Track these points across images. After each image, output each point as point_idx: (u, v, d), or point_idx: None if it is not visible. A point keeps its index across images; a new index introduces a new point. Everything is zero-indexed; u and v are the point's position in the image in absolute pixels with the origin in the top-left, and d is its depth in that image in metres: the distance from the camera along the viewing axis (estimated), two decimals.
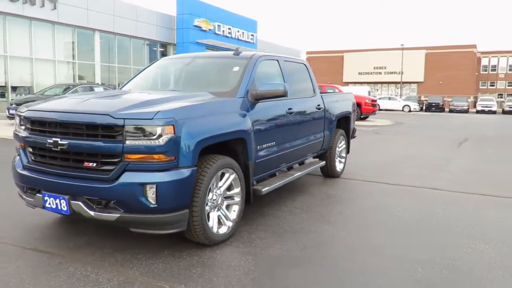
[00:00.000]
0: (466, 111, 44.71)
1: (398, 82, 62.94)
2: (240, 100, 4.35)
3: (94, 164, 3.47)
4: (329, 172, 6.99)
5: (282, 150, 5.03)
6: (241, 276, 3.33)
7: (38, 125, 3.77)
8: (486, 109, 43.42)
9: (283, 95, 4.60)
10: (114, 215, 3.41)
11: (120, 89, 5.28)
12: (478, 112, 44.23)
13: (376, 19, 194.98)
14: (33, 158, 3.85)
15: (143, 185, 3.33)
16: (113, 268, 3.42)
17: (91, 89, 17.00)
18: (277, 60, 5.43)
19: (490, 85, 70.70)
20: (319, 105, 6.07)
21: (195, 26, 23.79)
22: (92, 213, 3.45)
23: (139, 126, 3.34)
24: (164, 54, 25.54)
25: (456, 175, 7.82)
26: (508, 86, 69.27)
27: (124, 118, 3.36)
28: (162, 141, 3.33)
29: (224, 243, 3.96)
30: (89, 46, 24.04)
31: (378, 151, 11.25)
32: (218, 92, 4.43)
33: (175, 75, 5.32)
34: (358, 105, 21.78)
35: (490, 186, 6.76)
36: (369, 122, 22.36)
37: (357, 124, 18.77)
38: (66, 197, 3.51)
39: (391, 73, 65.35)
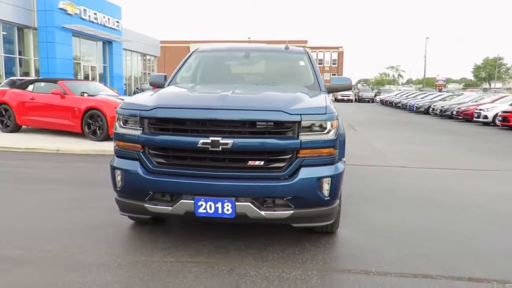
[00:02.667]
0: None
1: None
2: (325, 93, 4.57)
3: (262, 162, 3.34)
4: None
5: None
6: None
7: (182, 124, 3.38)
8: (345, 98, 48.10)
9: (351, 88, 4.97)
10: (287, 213, 3.36)
11: (170, 84, 4.81)
12: (338, 100, 48.81)
13: (224, 12, 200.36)
14: (165, 160, 3.44)
15: (320, 179, 3.38)
16: (258, 263, 3.40)
17: None
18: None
19: None
20: None
21: (60, 9, 21.14)
22: (263, 213, 3.33)
23: (313, 122, 3.36)
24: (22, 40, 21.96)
25: (385, 153, 9.25)
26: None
27: (301, 114, 3.33)
28: (331, 135, 3.42)
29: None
30: None
31: None
32: (304, 86, 4.56)
33: (238, 69, 5.15)
34: None
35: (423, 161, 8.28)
36: None
37: None
38: (232, 199, 3.30)
39: None
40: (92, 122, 9.44)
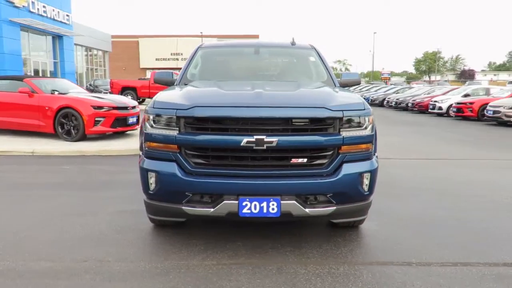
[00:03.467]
0: None
1: None
2: (347, 89, 4.63)
3: (305, 160, 3.33)
4: None
5: None
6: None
7: (222, 123, 3.29)
8: None
9: (359, 83, 5.06)
10: (330, 209, 3.38)
11: (180, 83, 4.64)
12: None
13: (174, 6, 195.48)
14: (205, 161, 3.34)
15: (361, 174, 3.42)
16: (300, 261, 3.43)
17: None
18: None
19: None
20: None
21: (7, 1, 19.70)
22: (307, 210, 3.33)
23: (354, 117, 3.39)
24: None
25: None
26: None
27: (342, 110, 3.35)
28: (369, 130, 3.47)
29: None
30: None
31: None
32: (321, 82, 4.59)
33: (251, 65, 5.05)
34: None
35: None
36: None
37: None
38: (278, 198, 3.27)
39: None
40: (66, 121, 8.95)
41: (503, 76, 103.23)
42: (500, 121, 15.38)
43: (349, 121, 3.37)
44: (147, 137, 3.46)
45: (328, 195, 3.37)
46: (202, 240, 3.80)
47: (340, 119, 3.33)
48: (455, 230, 4.14)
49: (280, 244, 3.74)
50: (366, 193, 3.49)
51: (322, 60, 4.98)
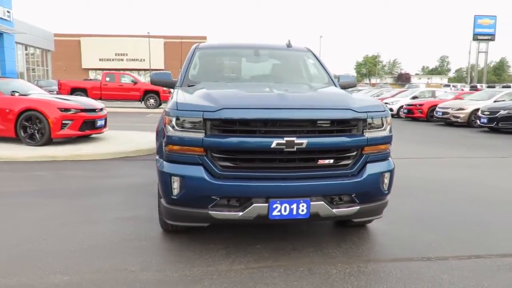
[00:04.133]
0: None
1: (141, 69, 64.25)
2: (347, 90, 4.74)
3: (331, 161, 3.38)
4: None
5: None
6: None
7: (251, 125, 3.24)
8: None
9: (355, 85, 5.19)
10: (354, 209, 3.44)
11: (183, 84, 4.51)
12: None
13: (119, 5, 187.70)
14: (233, 164, 3.28)
15: (382, 174, 3.52)
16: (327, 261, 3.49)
17: None
18: None
19: None
20: None
21: None
22: (334, 211, 3.37)
23: (376, 119, 3.48)
24: None
25: None
26: None
27: (366, 112, 3.43)
28: (387, 131, 3.58)
29: None
30: None
31: None
32: (324, 83, 4.66)
33: (253, 67, 4.99)
34: (157, 93, 21.99)
35: None
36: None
37: (156, 112, 19.21)
38: (308, 199, 3.28)
39: (133, 60, 65.90)
40: (29, 125, 8.39)
41: (436, 79, 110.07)
42: (448, 122, 16.42)
43: (372, 122, 3.46)
44: (169, 140, 3.34)
45: (352, 195, 3.44)
46: (220, 244, 3.73)
47: (364, 120, 3.41)
48: (455, 225, 4.37)
49: (300, 245, 3.75)
50: (385, 192, 3.60)
51: (320, 63, 5.06)
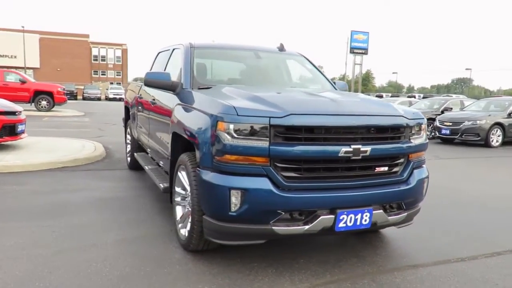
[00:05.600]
0: (99, 99, 46.86)
1: (12, 67, 57.36)
2: None
3: (386, 168, 3.34)
4: None
5: None
6: None
7: (315, 132, 3.04)
8: (118, 96, 47.08)
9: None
10: (403, 215, 3.46)
11: (193, 86, 4.06)
12: (110, 99, 47.26)
13: None
14: (298, 174, 3.03)
15: (424, 179, 3.60)
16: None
17: None
18: None
19: (102, 74, 75.67)
20: None
21: None
22: (389, 218, 3.35)
23: (419, 125, 3.55)
24: None
25: None
26: (117, 75, 76.47)
27: (414, 118, 3.47)
28: (426, 138, 3.67)
29: None
30: None
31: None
32: (333, 89, 4.65)
33: (253, 70, 4.70)
34: (50, 94, 19.82)
35: None
36: (59, 112, 20.54)
37: (52, 115, 17.48)
38: (371, 208, 3.20)
39: (3, 56, 58.67)
40: None
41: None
42: None
43: (416, 128, 3.51)
44: (225, 149, 2.95)
45: (402, 202, 3.44)
46: (262, 262, 3.42)
47: (412, 127, 3.44)
48: (462, 226, 4.60)
49: (341, 256, 3.63)
50: (423, 198, 3.68)
51: (316, 68, 5.02)
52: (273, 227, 3.00)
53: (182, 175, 3.68)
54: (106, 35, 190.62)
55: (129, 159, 7.01)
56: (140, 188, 5.74)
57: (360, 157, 3.11)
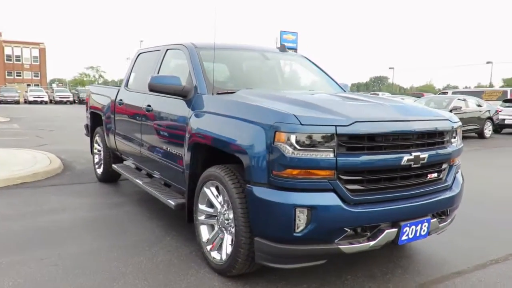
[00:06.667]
0: (18, 102, 43.18)
1: None
2: None
3: (435, 174, 3.23)
4: None
5: None
6: None
7: (377, 141, 2.82)
8: (39, 99, 43.88)
9: None
10: (448, 222, 3.38)
11: (212, 91, 3.64)
12: (30, 102, 43.79)
13: None
14: (362, 186, 2.80)
15: (463, 184, 3.53)
16: None
17: None
18: None
19: (17, 75, 69.75)
20: None
21: None
22: (440, 226, 3.25)
23: (457, 130, 3.47)
24: None
25: None
26: (35, 77, 70.93)
27: (455, 122, 3.40)
28: (461, 141, 3.60)
29: None
30: None
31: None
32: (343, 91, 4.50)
33: (267, 73, 4.34)
34: None
35: None
36: None
37: None
38: (429, 217, 3.08)
39: None
40: None
41: None
42: None
43: (457, 133, 3.43)
44: (287, 163, 2.64)
45: (448, 208, 3.35)
46: (313, 283, 3.16)
47: (454, 131, 3.36)
48: (478, 228, 4.55)
49: (384, 268, 3.47)
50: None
51: (322, 69, 4.82)
52: (340, 246, 2.74)
53: (211, 191, 3.29)
54: (21, 33, 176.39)
55: (98, 171, 6.32)
56: (125, 204, 5.15)
57: (419, 165, 2.96)
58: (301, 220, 2.65)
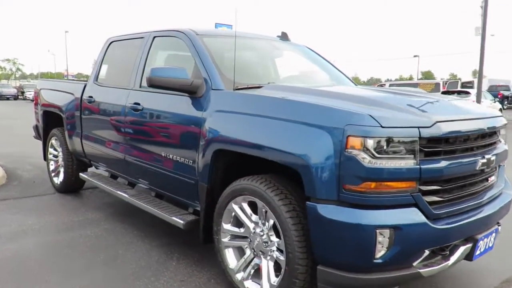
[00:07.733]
0: None
1: None
2: None
3: (493, 177, 2.90)
4: None
5: None
6: None
7: (453, 143, 2.41)
8: None
9: None
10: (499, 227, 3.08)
11: (220, 82, 3.02)
12: None
13: None
14: (441, 198, 2.38)
15: None
16: None
17: None
18: None
19: None
20: None
21: None
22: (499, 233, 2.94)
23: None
24: None
25: None
26: None
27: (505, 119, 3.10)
28: None
29: None
30: None
31: None
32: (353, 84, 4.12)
33: (281, 65, 3.75)
34: None
35: None
36: None
37: None
38: (497, 227, 2.77)
39: None
40: None
41: None
42: None
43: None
44: (365, 174, 2.15)
45: None
46: None
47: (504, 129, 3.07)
48: None
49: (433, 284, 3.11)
50: None
51: (328, 61, 4.37)
52: (420, 270, 2.31)
53: (242, 208, 2.71)
54: None
55: (56, 179, 5.38)
56: (100, 220, 4.34)
57: (489, 168, 2.61)
58: (383, 243, 2.17)
